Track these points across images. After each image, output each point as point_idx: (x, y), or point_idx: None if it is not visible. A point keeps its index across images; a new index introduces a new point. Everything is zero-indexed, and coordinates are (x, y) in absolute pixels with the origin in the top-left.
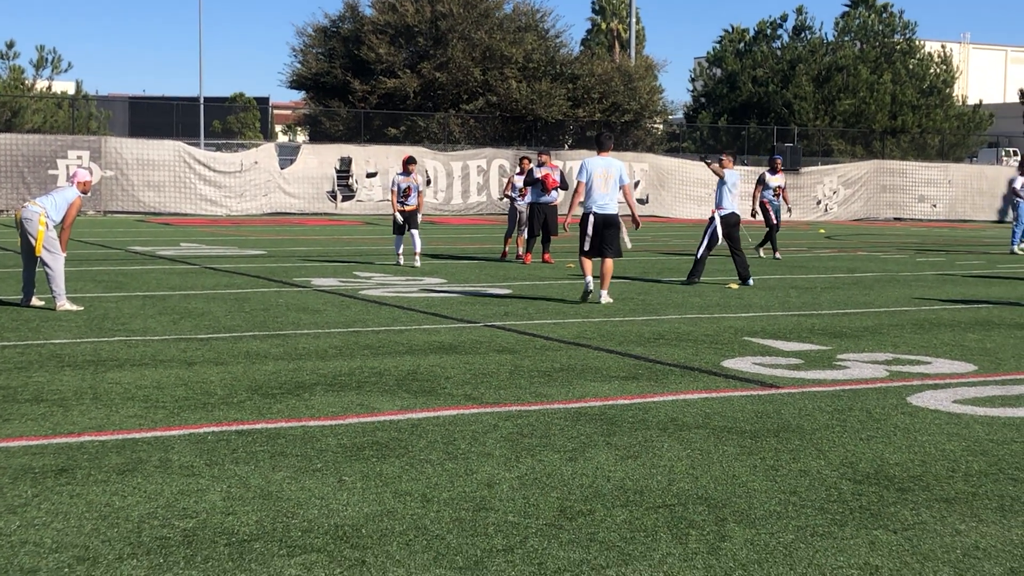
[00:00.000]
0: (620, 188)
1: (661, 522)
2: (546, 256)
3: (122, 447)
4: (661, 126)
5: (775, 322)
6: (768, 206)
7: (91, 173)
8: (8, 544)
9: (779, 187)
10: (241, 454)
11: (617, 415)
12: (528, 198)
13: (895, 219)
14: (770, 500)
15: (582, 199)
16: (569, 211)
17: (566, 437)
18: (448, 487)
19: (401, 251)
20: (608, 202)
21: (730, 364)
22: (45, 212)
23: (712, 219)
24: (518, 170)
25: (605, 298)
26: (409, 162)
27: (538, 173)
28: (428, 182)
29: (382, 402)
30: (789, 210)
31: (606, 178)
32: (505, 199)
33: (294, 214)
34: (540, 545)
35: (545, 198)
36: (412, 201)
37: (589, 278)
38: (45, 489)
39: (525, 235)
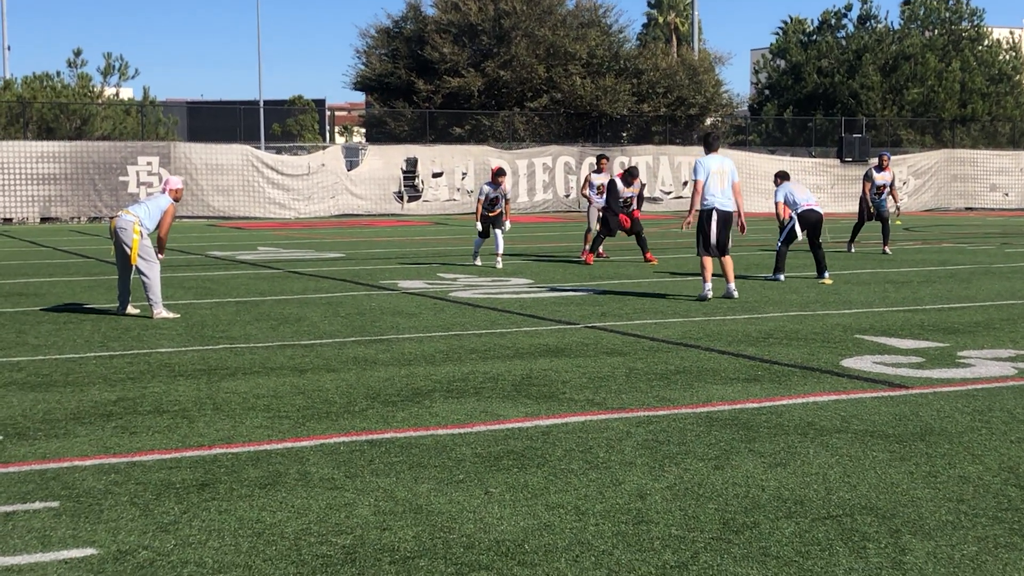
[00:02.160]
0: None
1: (833, 534)
2: (648, 255)
3: (257, 459)
4: (725, 119)
5: (882, 318)
6: (870, 203)
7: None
8: (169, 565)
9: (884, 185)
10: (379, 465)
11: (750, 419)
12: (603, 198)
13: (966, 209)
14: (939, 509)
15: (701, 198)
16: (690, 211)
17: (705, 444)
18: (599, 499)
19: (479, 254)
20: (727, 199)
21: (850, 364)
22: (139, 221)
23: (791, 216)
24: (595, 168)
25: (736, 292)
26: (499, 174)
27: (597, 180)
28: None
29: (505, 408)
30: (898, 209)
31: (722, 175)
32: (584, 198)
33: (362, 215)
34: (713, 560)
35: (600, 201)
36: (499, 207)
37: (708, 284)
38: (192, 505)
39: (593, 233)
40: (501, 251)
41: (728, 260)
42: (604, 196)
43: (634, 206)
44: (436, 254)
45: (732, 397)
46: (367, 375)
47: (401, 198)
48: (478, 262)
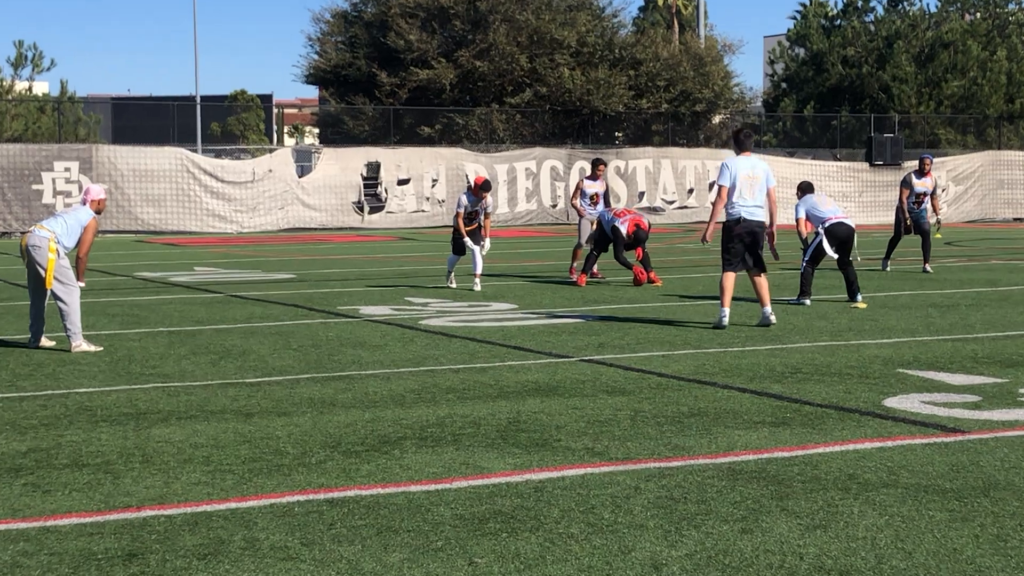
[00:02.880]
0: (766, 193)
1: None
2: (652, 275)
3: (195, 523)
4: (736, 116)
5: (927, 349)
6: (906, 213)
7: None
8: None
9: (924, 193)
10: (341, 530)
11: (780, 471)
12: (599, 208)
13: (1015, 220)
14: None
15: (725, 206)
16: (711, 220)
17: (729, 502)
18: (605, 569)
19: (453, 274)
20: (758, 208)
21: (894, 403)
22: (55, 237)
23: (817, 231)
24: (588, 174)
25: (773, 317)
26: (484, 188)
27: (590, 189)
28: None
29: (490, 460)
30: (938, 222)
31: (752, 180)
32: (577, 209)
33: (316, 229)
34: None
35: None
36: (478, 221)
37: (726, 310)
38: None
39: (585, 250)
40: (479, 271)
41: (762, 279)
42: (598, 207)
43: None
44: (403, 274)
45: (758, 445)
46: (325, 420)
47: (361, 209)
48: (452, 284)
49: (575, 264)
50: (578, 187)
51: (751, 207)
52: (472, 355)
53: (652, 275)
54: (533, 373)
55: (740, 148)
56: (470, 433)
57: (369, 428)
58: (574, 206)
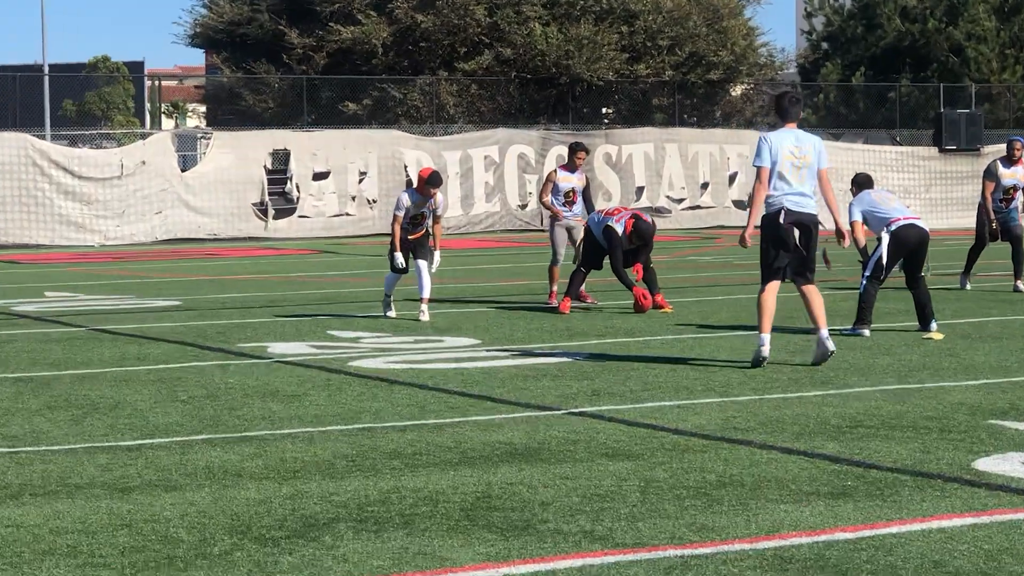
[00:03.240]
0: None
1: None
2: (659, 298)
3: None
4: (764, 87)
5: None
6: (991, 214)
7: None
8: None
9: (1015, 187)
10: None
11: (843, 560)
12: (576, 210)
13: None
14: None
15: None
16: (751, 216)
17: None
18: None
19: (392, 299)
20: (805, 196)
21: (988, 466)
22: None
23: (879, 238)
24: (564, 163)
25: (831, 343)
26: (431, 182)
27: (566, 183)
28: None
29: (453, 548)
30: None
31: (799, 160)
32: (549, 210)
33: (205, 240)
34: None
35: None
36: (425, 227)
37: (766, 337)
38: None
39: (564, 262)
40: (427, 295)
41: (814, 292)
42: (576, 208)
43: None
44: (324, 299)
45: (812, 524)
46: (230, 495)
47: (265, 213)
48: (391, 312)
49: (555, 287)
50: (549, 180)
51: (797, 195)
52: (422, 408)
53: (659, 298)
54: (506, 431)
55: (784, 118)
56: (425, 513)
57: (289, 507)
58: (545, 205)
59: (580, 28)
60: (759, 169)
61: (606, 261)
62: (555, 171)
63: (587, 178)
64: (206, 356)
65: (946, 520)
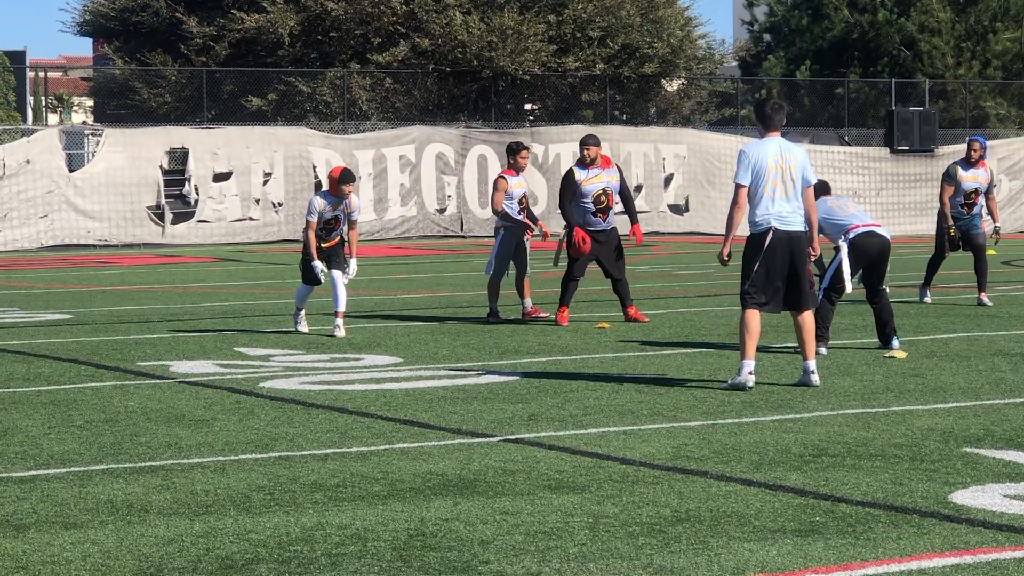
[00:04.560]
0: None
1: None
2: (630, 310)
3: None
4: (701, 82)
5: (1001, 418)
6: (951, 220)
7: None
8: None
9: (976, 191)
10: None
11: None
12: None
13: None
14: None
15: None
16: (726, 237)
17: None
18: None
19: (304, 312)
20: (791, 212)
21: (967, 499)
22: None
23: (836, 247)
24: (508, 164)
25: (816, 378)
26: (344, 180)
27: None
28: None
29: None
30: (996, 231)
31: (783, 173)
32: (504, 217)
33: (96, 247)
34: None
35: (601, 224)
36: (339, 234)
37: (750, 363)
38: None
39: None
40: (342, 308)
41: (808, 320)
42: (526, 213)
43: (613, 209)
44: (229, 312)
45: (780, 564)
46: (136, 533)
47: (162, 217)
48: (304, 327)
49: (527, 300)
50: (500, 188)
51: (782, 212)
52: (344, 434)
53: (632, 311)
54: (437, 461)
55: (767, 126)
56: (353, 553)
57: (203, 546)
58: (502, 216)
59: (504, 17)
60: (738, 188)
61: (591, 268)
62: (503, 178)
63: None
64: (103, 376)
65: (926, 560)
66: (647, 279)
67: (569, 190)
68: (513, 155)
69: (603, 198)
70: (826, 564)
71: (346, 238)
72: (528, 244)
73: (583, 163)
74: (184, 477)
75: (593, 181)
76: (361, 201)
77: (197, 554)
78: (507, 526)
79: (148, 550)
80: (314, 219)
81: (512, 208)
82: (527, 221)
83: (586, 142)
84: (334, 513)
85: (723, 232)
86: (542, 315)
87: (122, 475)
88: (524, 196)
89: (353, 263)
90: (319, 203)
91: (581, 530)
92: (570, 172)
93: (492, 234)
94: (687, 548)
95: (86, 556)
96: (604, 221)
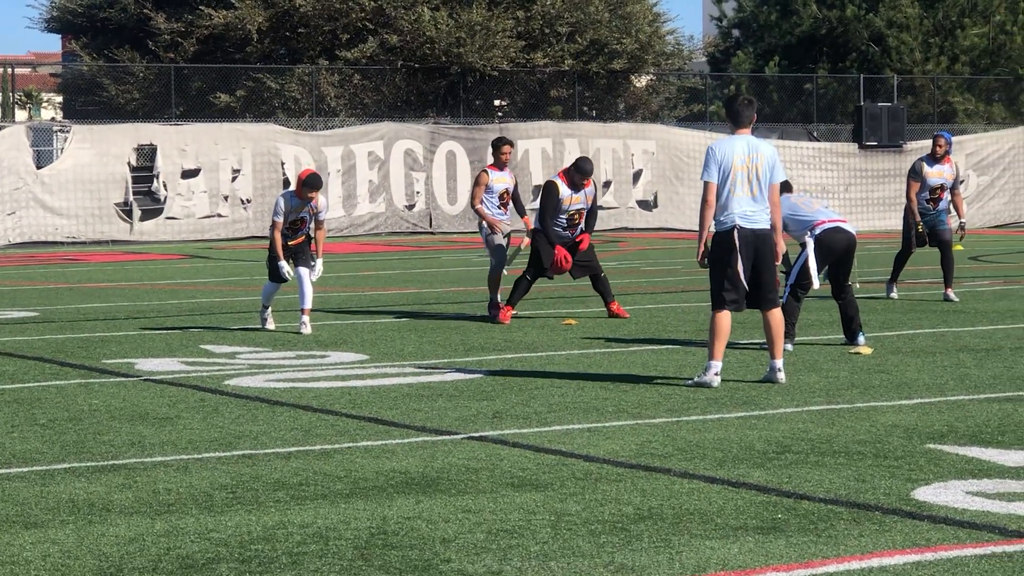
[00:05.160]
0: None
1: None
2: (613, 305)
3: None
4: (670, 78)
5: (965, 414)
6: (917, 216)
7: None
8: None
9: (942, 186)
10: None
11: None
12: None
13: None
14: None
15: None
16: (701, 235)
17: None
18: None
19: (271, 310)
20: (758, 210)
21: (929, 496)
22: None
23: (802, 244)
24: (490, 162)
25: (782, 376)
26: (310, 184)
27: (499, 184)
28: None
29: None
30: (962, 227)
31: (751, 172)
32: (484, 219)
33: (64, 244)
34: None
35: (569, 237)
36: (306, 232)
37: (717, 364)
38: None
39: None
40: (308, 305)
41: (776, 318)
42: (508, 211)
43: (581, 226)
44: (196, 310)
45: (741, 562)
46: (97, 533)
47: (130, 214)
48: (270, 324)
49: (498, 296)
50: (480, 183)
51: (749, 210)
52: (307, 432)
53: (615, 306)
54: (401, 458)
55: (736, 123)
56: (315, 552)
57: (164, 545)
58: (480, 214)
59: (472, 13)
60: (707, 185)
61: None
62: (485, 172)
63: (515, 176)
64: (67, 374)
65: (887, 557)
66: (614, 275)
67: (551, 205)
68: (496, 150)
69: (576, 217)
70: (787, 562)
71: (312, 236)
72: (509, 240)
73: (498, 164)
74: (146, 476)
75: (574, 201)
76: (330, 198)
77: (158, 553)
78: (469, 524)
79: (108, 549)
80: (280, 219)
81: (492, 203)
82: (492, 220)
83: (582, 168)
84: (296, 512)
85: (692, 228)
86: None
87: (84, 474)
88: (507, 191)
89: (319, 263)
90: (283, 204)
91: (543, 528)
92: (554, 186)
93: (460, 230)
94: (649, 546)
95: (46, 556)
96: (572, 235)
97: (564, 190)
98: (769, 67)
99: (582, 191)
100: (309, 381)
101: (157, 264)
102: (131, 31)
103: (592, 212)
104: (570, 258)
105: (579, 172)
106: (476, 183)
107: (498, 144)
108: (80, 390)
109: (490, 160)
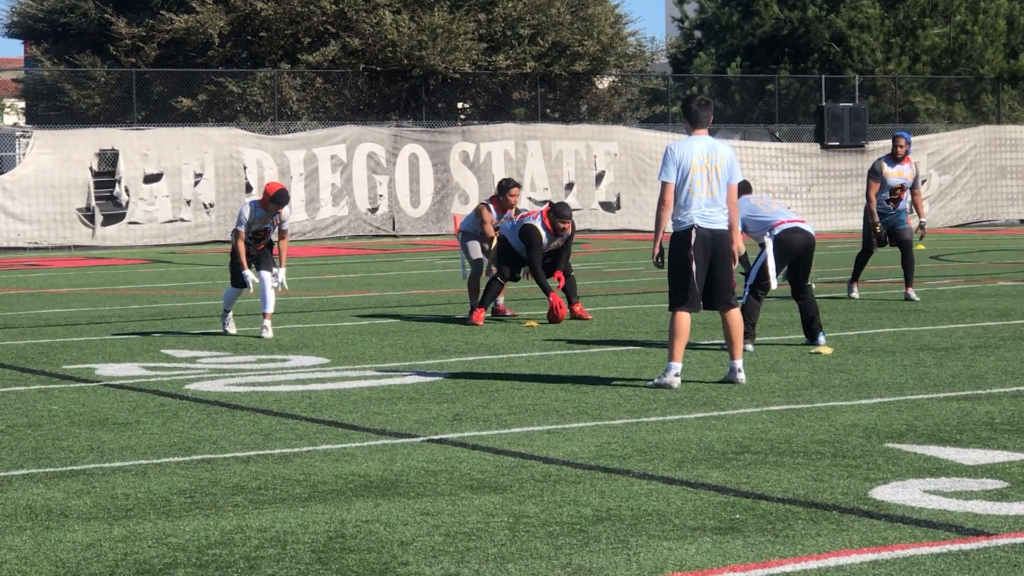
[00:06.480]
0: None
1: None
2: (577, 307)
3: None
4: (632, 79)
5: (924, 413)
6: (876, 216)
7: None
8: None
9: (902, 186)
10: None
11: None
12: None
13: (1022, 222)
14: None
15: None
16: (656, 236)
17: None
18: None
19: (232, 314)
20: (716, 211)
21: (887, 495)
22: None
23: (762, 244)
24: (493, 196)
25: (742, 376)
26: (277, 201)
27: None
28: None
29: None
30: (922, 227)
31: (710, 172)
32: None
33: (25, 250)
34: None
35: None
36: (268, 240)
37: (678, 365)
38: None
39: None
40: (270, 310)
41: (736, 318)
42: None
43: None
44: (158, 314)
45: (698, 563)
46: (54, 539)
47: (92, 219)
48: (231, 329)
49: (476, 300)
50: (479, 212)
51: (707, 211)
52: (267, 436)
53: (578, 308)
54: (360, 462)
55: (694, 124)
56: (273, 556)
57: (121, 551)
58: (491, 240)
59: (434, 16)
60: (664, 185)
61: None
62: (488, 208)
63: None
64: (27, 379)
65: (844, 556)
66: (576, 277)
67: (539, 248)
68: (502, 192)
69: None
70: (745, 562)
71: (275, 242)
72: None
73: (555, 228)
74: (105, 481)
75: (552, 245)
76: (292, 200)
77: (115, 559)
78: (427, 527)
79: (65, 556)
80: (243, 229)
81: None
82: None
83: (561, 214)
84: (254, 516)
85: (642, 227)
86: (505, 312)
87: (42, 480)
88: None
89: (282, 273)
90: (247, 213)
91: (501, 530)
92: (537, 234)
93: (423, 233)
94: (606, 547)
95: (3, 563)
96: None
97: (545, 238)
98: (731, 68)
99: (560, 234)
100: (270, 385)
101: (119, 269)
102: (92, 36)
103: (567, 248)
104: (565, 307)
105: (559, 218)
106: (482, 220)
107: (506, 186)
108: (40, 396)
109: (478, 181)
